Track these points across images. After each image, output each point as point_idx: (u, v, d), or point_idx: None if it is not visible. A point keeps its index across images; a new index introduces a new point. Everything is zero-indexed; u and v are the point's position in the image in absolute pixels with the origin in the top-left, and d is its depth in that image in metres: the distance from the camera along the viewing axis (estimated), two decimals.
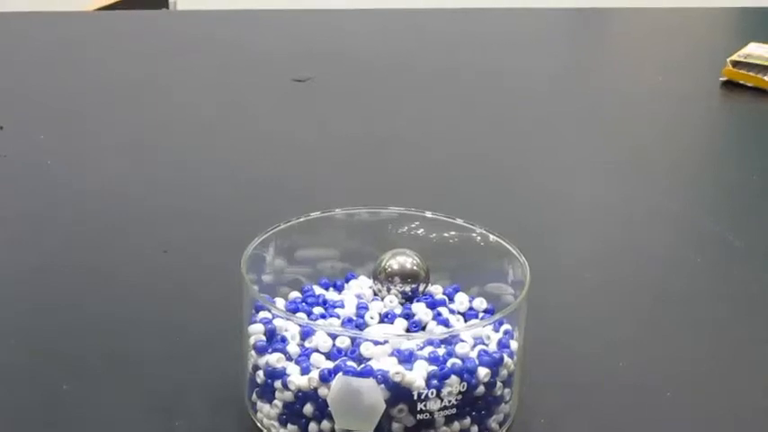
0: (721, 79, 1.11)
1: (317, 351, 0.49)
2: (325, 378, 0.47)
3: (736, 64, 1.11)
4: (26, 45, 1.23)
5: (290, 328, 0.51)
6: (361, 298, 0.56)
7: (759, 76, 1.09)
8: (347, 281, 0.58)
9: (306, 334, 0.50)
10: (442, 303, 0.55)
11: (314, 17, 1.41)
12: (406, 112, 1.04)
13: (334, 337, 0.49)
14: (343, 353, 0.49)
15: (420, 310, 0.54)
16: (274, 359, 0.49)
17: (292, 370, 0.48)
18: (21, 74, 1.13)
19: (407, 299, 0.55)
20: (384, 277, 0.55)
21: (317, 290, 0.57)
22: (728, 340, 0.64)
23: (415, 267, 0.55)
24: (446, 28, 1.35)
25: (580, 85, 1.15)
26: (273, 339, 0.50)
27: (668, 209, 0.83)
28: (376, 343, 0.48)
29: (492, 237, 0.57)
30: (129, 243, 0.74)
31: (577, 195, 0.86)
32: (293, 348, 0.50)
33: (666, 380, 0.59)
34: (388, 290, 0.55)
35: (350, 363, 0.47)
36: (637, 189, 0.87)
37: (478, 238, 0.57)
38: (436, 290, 0.57)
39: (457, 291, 0.57)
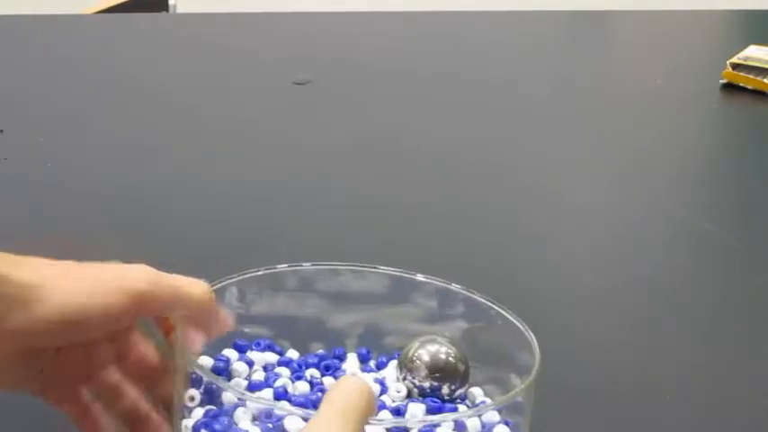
0: (721, 82, 1.11)
1: None
2: None
3: (735, 66, 1.11)
4: (26, 48, 1.23)
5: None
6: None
7: (759, 78, 1.09)
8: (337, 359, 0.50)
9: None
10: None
11: (314, 20, 1.41)
12: (406, 114, 1.04)
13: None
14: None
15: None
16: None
17: None
18: (21, 77, 1.13)
19: (433, 394, 0.47)
20: (412, 367, 0.46)
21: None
22: (729, 341, 0.64)
23: (453, 361, 0.46)
24: (446, 31, 1.35)
25: (580, 88, 1.15)
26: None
27: (668, 210, 0.83)
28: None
29: (500, 313, 0.48)
30: (129, 243, 0.74)
31: (577, 197, 0.86)
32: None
33: (667, 381, 0.59)
34: (413, 383, 0.47)
35: None
36: (637, 191, 0.86)
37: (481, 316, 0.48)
38: (477, 393, 0.47)
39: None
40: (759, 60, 1.11)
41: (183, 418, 0.43)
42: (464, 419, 0.42)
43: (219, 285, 0.48)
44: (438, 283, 0.49)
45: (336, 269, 0.50)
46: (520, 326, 0.46)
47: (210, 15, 1.46)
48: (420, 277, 0.50)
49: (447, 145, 0.96)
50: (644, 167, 0.92)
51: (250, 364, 0.48)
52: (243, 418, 0.41)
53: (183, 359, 0.44)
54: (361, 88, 1.11)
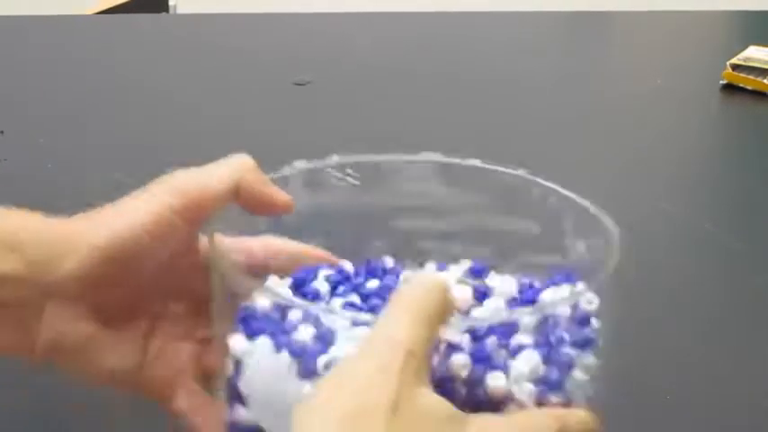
0: (721, 82, 1.11)
1: None
2: None
3: (735, 67, 1.11)
4: (26, 48, 1.23)
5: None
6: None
7: (759, 79, 1.09)
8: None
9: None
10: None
11: (314, 21, 1.41)
12: (406, 114, 1.04)
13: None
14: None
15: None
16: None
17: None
18: (21, 77, 1.13)
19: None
20: None
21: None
22: (729, 341, 0.64)
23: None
24: (446, 31, 1.35)
25: (580, 88, 1.15)
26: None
27: (668, 210, 0.83)
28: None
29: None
30: None
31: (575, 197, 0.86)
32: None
33: (666, 381, 0.59)
34: None
35: None
36: (637, 191, 0.86)
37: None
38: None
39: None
40: (759, 61, 1.11)
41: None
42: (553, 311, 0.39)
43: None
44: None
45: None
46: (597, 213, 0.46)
47: (211, 16, 1.46)
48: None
49: (447, 145, 0.96)
50: (644, 167, 0.92)
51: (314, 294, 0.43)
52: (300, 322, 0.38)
53: (224, 276, 0.40)
54: (361, 89, 1.11)
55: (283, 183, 0.45)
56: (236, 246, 0.43)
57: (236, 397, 0.39)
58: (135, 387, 0.43)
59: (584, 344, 0.39)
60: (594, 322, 0.40)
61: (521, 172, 0.50)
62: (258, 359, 0.38)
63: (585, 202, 0.48)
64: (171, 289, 0.44)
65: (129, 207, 0.42)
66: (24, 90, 1.09)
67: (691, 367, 0.61)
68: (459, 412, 0.34)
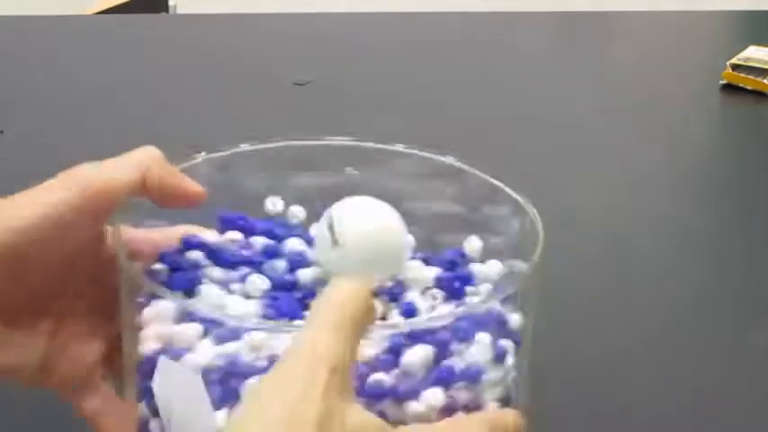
0: (721, 82, 1.11)
1: None
2: None
3: (735, 67, 1.11)
4: (26, 48, 1.23)
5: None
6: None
7: (759, 79, 1.09)
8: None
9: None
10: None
11: (314, 21, 1.41)
12: (405, 115, 1.04)
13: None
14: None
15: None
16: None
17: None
18: (21, 77, 1.13)
19: None
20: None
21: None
22: (729, 341, 0.64)
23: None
24: (446, 32, 1.35)
25: (580, 89, 1.15)
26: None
27: (668, 211, 0.83)
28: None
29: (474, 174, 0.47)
30: None
31: (577, 197, 0.86)
32: None
33: (666, 381, 0.59)
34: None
35: None
36: (637, 191, 0.87)
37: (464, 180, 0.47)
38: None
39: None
40: (759, 61, 1.11)
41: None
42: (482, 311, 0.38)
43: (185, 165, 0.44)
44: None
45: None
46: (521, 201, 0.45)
47: (211, 16, 1.46)
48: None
49: (447, 145, 0.96)
50: (644, 168, 0.92)
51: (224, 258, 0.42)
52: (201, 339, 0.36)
53: (127, 269, 0.39)
54: (361, 89, 1.11)
55: (193, 171, 0.44)
56: (142, 237, 0.42)
57: (148, 399, 0.38)
58: (41, 384, 0.42)
59: (500, 354, 0.38)
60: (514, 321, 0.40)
61: (449, 159, 0.49)
62: (167, 372, 0.37)
63: (510, 191, 0.47)
64: (77, 285, 0.42)
65: (24, 201, 0.40)
66: (24, 90, 1.09)
67: (691, 367, 0.61)
68: (387, 426, 0.34)
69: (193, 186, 0.43)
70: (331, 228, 0.41)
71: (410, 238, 0.43)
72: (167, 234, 0.44)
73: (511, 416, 0.38)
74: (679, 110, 1.08)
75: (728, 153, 1.02)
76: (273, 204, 0.46)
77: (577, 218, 0.83)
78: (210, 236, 0.44)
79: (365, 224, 0.41)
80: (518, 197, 0.46)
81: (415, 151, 0.50)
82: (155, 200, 0.42)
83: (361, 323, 0.34)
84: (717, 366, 0.61)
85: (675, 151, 0.98)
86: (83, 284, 0.42)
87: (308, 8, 1.48)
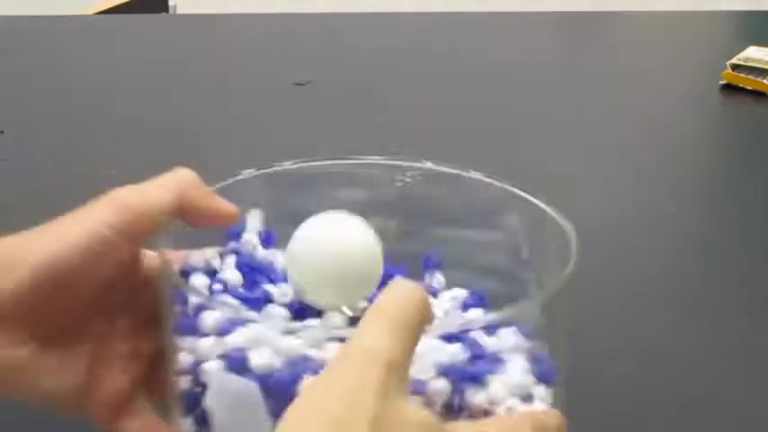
0: (721, 82, 1.11)
1: None
2: None
3: (735, 67, 1.11)
4: (26, 48, 1.23)
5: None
6: None
7: (758, 79, 1.09)
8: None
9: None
10: None
11: (314, 21, 1.41)
12: (406, 115, 1.04)
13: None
14: None
15: None
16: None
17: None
18: (21, 77, 1.13)
19: None
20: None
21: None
22: (729, 341, 0.64)
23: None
24: (446, 32, 1.35)
25: (580, 89, 1.15)
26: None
27: (668, 212, 0.83)
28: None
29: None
30: None
31: (576, 197, 0.86)
32: None
33: (666, 381, 0.59)
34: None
35: None
36: (637, 191, 0.87)
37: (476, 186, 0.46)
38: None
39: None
40: (759, 61, 1.11)
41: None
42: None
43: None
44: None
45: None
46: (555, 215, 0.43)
47: (211, 16, 1.46)
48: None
49: (446, 145, 0.96)
50: (644, 168, 0.92)
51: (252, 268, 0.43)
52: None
53: (168, 280, 0.40)
54: (361, 89, 1.11)
55: (227, 192, 0.45)
56: (178, 258, 0.43)
57: (195, 415, 0.38)
58: (80, 410, 0.42)
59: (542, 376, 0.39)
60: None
61: (474, 174, 0.49)
62: (222, 382, 0.37)
63: (543, 204, 0.47)
64: (116, 307, 0.43)
65: (65, 225, 0.41)
66: (24, 90, 1.09)
67: (690, 368, 0.61)
68: (441, 423, 0.34)
69: (226, 207, 0.44)
70: (293, 247, 0.41)
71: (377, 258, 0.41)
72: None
73: (556, 416, 0.38)
74: (679, 110, 1.08)
75: (728, 153, 1.02)
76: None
77: (577, 218, 0.82)
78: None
79: (321, 242, 0.41)
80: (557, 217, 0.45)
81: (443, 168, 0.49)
82: (192, 223, 0.43)
83: (418, 322, 0.34)
84: (717, 367, 0.61)
85: (675, 150, 0.98)
86: (121, 306, 0.43)
87: (309, 8, 1.48)
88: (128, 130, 0.98)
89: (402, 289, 0.35)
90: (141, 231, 0.41)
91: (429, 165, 0.48)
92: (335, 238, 0.41)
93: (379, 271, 0.41)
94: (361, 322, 0.34)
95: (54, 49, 1.23)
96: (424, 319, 0.34)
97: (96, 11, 1.81)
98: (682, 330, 0.65)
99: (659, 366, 0.61)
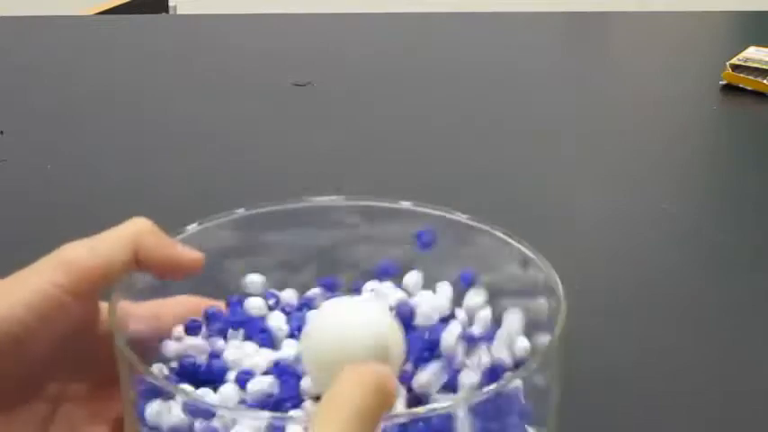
0: (721, 83, 1.11)
1: None
2: None
3: (735, 68, 1.11)
4: (26, 49, 1.23)
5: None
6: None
7: (758, 79, 1.09)
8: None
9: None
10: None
11: (314, 22, 1.41)
12: (405, 115, 1.04)
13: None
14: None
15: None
16: None
17: None
18: (21, 77, 1.13)
19: None
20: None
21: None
22: (729, 341, 0.64)
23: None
24: (445, 32, 1.35)
25: (580, 89, 1.15)
26: None
27: (668, 212, 0.83)
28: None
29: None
30: None
31: (576, 198, 0.86)
32: None
33: (665, 382, 0.59)
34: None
35: None
36: (637, 191, 0.86)
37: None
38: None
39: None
40: (759, 62, 1.11)
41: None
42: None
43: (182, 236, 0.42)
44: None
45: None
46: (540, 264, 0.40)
47: (210, 17, 1.46)
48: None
49: (446, 145, 0.96)
50: (644, 168, 0.92)
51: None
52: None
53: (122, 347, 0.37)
54: (360, 90, 1.11)
55: (189, 240, 0.42)
56: (144, 312, 0.41)
57: None
58: None
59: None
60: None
61: (445, 212, 0.45)
62: None
63: (531, 253, 0.43)
64: (72, 368, 0.40)
65: (11, 285, 0.38)
66: (24, 90, 1.09)
67: (690, 368, 0.61)
68: None
69: (189, 254, 0.41)
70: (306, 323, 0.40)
71: (400, 348, 0.38)
72: (170, 306, 0.42)
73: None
74: (679, 110, 1.08)
75: (728, 153, 1.02)
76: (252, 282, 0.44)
77: (576, 217, 0.82)
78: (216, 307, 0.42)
79: (331, 324, 0.37)
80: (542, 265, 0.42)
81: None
82: (153, 273, 0.40)
83: (377, 414, 0.32)
84: (718, 367, 0.61)
85: (675, 151, 0.98)
86: (78, 366, 0.41)
87: (309, 8, 1.48)
88: (127, 129, 0.98)
89: (359, 378, 0.32)
90: (91, 288, 0.39)
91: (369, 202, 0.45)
92: (345, 329, 0.37)
93: (399, 361, 0.38)
94: (315, 414, 0.32)
95: (54, 49, 1.23)
96: (382, 409, 0.32)
97: (96, 11, 1.81)
98: (681, 330, 0.65)
99: (659, 366, 0.61)
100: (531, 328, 0.40)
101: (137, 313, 0.40)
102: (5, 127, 0.95)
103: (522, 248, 0.43)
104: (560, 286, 0.40)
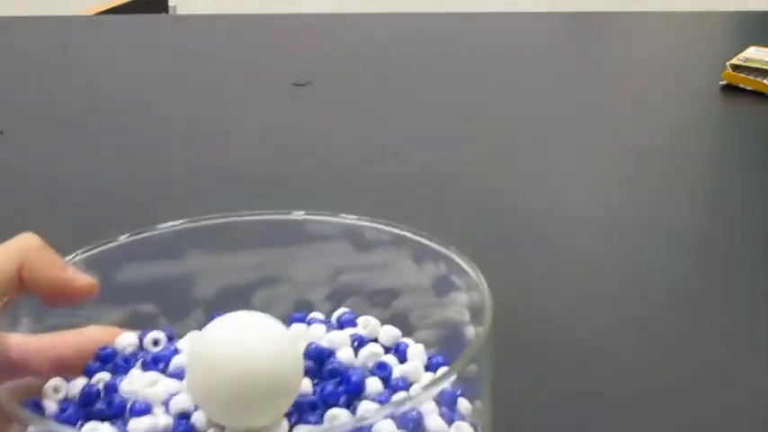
0: (721, 83, 1.11)
1: None
2: None
3: (735, 68, 1.11)
4: (26, 49, 1.23)
5: None
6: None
7: (758, 79, 1.09)
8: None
9: None
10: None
11: (314, 22, 1.41)
12: (405, 115, 1.04)
13: None
14: None
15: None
16: None
17: None
18: (21, 77, 1.13)
19: None
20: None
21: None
22: (729, 342, 0.64)
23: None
24: (445, 32, 1.35)
25: (579, 90, 1.15)
26: None
27: (668, 213, 0.83)
28: None
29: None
30: None
31: (576, 198, 0.86)
32: None
33: (665, 382, 0.59)
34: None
35: None
36: (637, 193, 0.86)
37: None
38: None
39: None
40: (759, 62, 1.11)
41: None
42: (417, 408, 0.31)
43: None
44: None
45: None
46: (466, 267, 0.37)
47: (210, 17, 1.46)
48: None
49: (446, 145, 0.96)
50: (643, 168, 0.92)
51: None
52: None
53: None
54: (360, 90, 1.11)
55: (89, 263, 0.37)
56: (30, 344, 0.35)
57: None
58: None
59: None
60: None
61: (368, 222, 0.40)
62: None
63: (454, 255, 0.39)
64: None
65: None
66: (24, 90, 1.09)
67: (689, 368, 0.61)
68: None
69: (81, 279, 0.35)
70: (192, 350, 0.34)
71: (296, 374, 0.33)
72: (61, 339, 0.36)
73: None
74: (679, 110, 1.08)
75: (728, 153, 1.02)
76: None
77: (576, 217, 0.82)
78: (125, 338, 0.37)
79: (216, 352, 0.31)
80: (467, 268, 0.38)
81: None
82: (39, 298, 0.35)
83: None
84: (718, 367, 0.61)
85: (675, 151, 0.98)
86: None
87: (309, 8, 1.48)
88: (127, 129, 0.98)
89: None
90: None
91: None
92: (234, 346, 0.31)
93: (297, 381, 0.33)
94: None
95: (54, 49, 1.23)
96: None
97: (96, 11, 1.81)
98: (681, 329, 0.65)
99: (659, 366, 0.61)
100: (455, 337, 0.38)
101: (20, 344, 0.35)
102: (5, 127, 0.95)
103: (446, 251, 0.39)
104: (485, 285, 0.37)
